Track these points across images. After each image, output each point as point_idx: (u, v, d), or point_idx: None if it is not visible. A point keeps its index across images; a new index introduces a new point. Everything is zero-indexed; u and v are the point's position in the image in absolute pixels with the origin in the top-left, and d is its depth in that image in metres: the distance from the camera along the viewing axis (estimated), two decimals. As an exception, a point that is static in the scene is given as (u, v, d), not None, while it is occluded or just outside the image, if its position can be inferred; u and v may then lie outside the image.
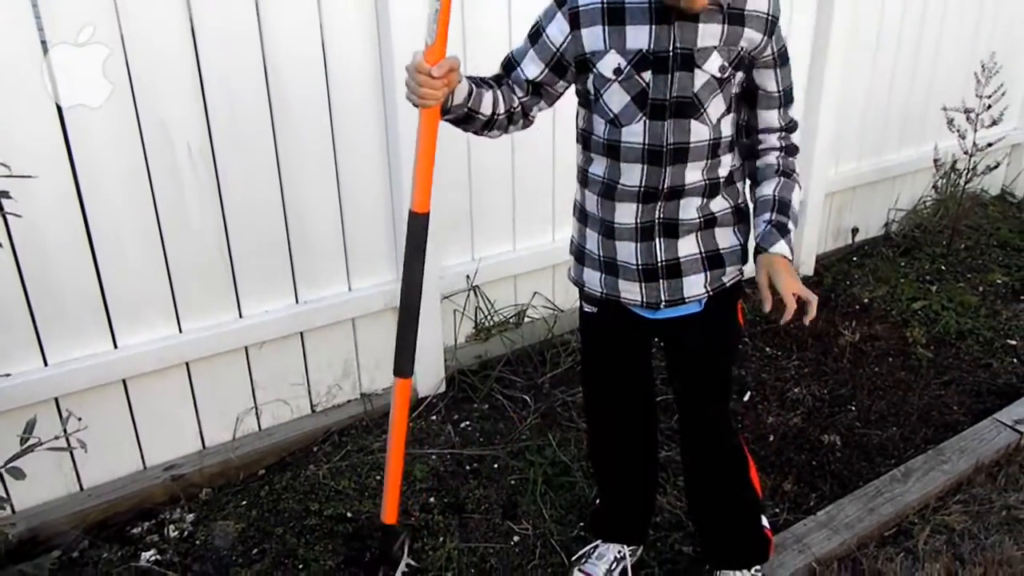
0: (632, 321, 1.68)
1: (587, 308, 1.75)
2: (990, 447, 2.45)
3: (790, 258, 1.55)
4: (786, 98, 1.61)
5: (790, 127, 1.63)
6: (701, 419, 1.78)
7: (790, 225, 1.58)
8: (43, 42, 1.87)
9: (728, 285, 1.65)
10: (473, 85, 1.49)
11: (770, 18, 1.50)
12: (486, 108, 1.52)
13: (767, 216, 1.59)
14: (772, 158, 1.63)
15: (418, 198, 1.52)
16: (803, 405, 2.72)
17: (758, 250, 1.58)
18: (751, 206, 1.68)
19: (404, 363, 1.64)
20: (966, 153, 3.83)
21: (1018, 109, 4.60)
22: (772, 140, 1.62)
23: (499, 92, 1.55)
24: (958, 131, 3.81)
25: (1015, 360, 3.05)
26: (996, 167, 4.05)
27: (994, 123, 3.81)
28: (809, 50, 3.40)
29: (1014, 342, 3.18)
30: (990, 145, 3.90)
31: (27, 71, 1.85)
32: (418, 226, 1.54)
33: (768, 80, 1.57)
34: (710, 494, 1.85)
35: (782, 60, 1.57)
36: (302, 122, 2.28)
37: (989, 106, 3.75)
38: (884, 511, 2.18)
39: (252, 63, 2.15)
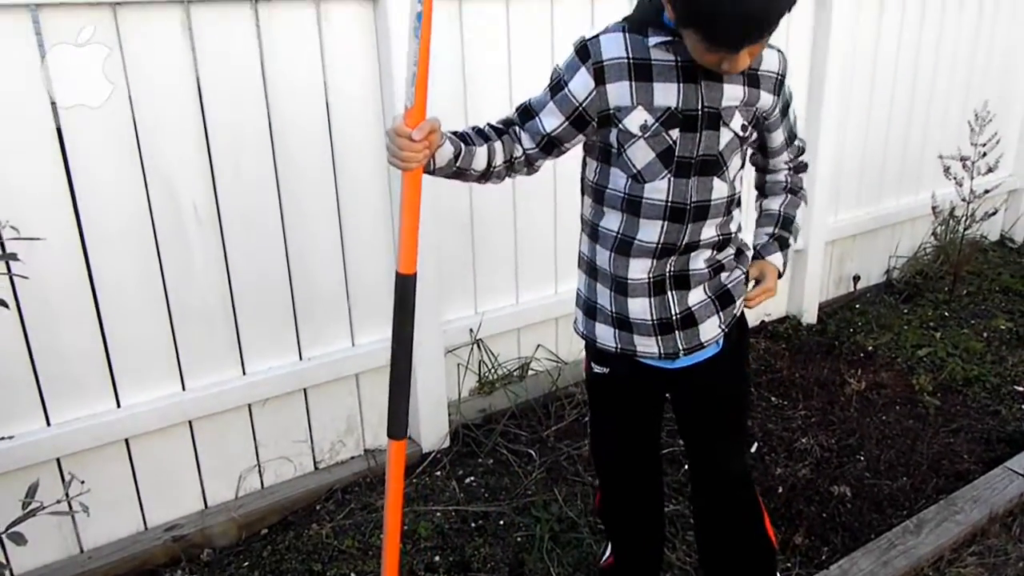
0: (646, 376, 1.66)
1: (597, 369, 1.71)
2: (1003, 497, 2.41)
3: (782, 272, 1.71)
4: (791, 136, 1.69)
5: (799, 151, 1.74)
6: (718, 469, 1.74)
7: (790, 240, 1.72)
8: (52, 104, 1.91)
9: (738, 314, 1.66)
10: (462, 144, 1.47)
11: (779, 78, 1.55)
12: (479, 164, 1.50)
13: (770, 230, 1.73)
14: (781, 176, 1.74)
15: (404, 259, 1.48)
16: (811, 455, 2.69)
17: (755, 255, 1.71)
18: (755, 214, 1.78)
19: (397, 426, 1.60)
20: (964, 200, 3.86)
21: (1013, 156, 4.65)
22: (781, 164, 1.73)
23: (497, 144, 1.52)
24: (955, 178, 3.84)
25: (1023, 407, 3.03)
26: (994, 213, 4.09)
27: (990, 170, 3.85)
28: (804, 99, 3.45)
29: (1022, 388, 3.15)
30: (987, 192, 3.94)
31: (37, 127, 1.89)
32: (405, 287, 1.50)
33: (776, 135, 1.65)
34: (725, 548, 1.81)
35: (785, 109, 1.62)
36: (306, 179, 2.31)
37: (984, 154, 3.79)
38: (898, 564, 2.14)
39: (257, 121, 2.19)
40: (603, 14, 2.76)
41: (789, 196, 1.74)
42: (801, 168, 1.76)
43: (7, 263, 1.46)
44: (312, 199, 2.34)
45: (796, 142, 1.72)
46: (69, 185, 1.96)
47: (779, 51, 1.55)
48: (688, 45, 1.37)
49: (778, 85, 1.55)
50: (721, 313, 1.62)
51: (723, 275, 1.62)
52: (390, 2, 2.24)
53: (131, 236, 2.07)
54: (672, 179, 1.48)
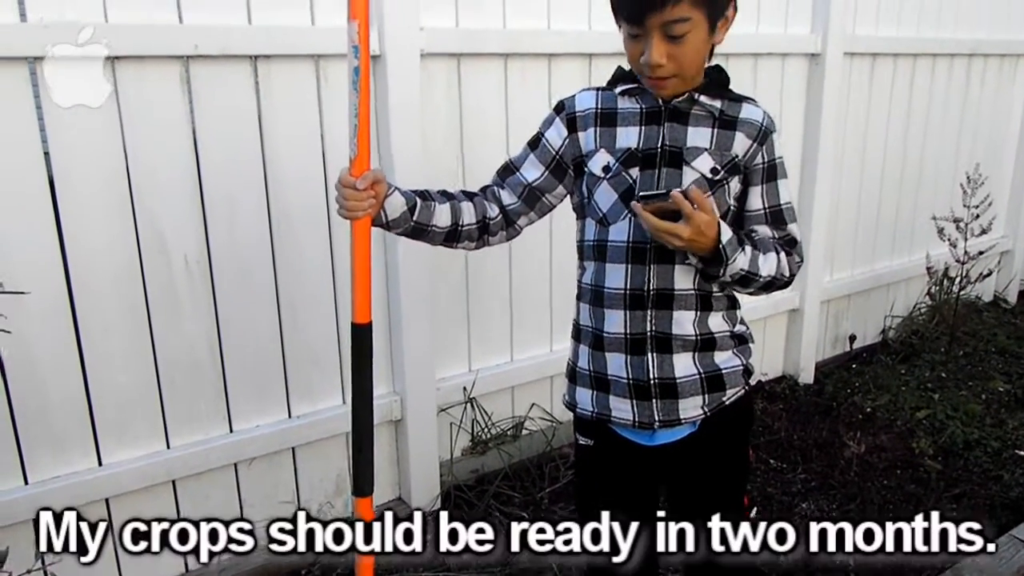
0: (629, 454, 1.57)
1: (582, 440, 1.64)
2: (1010, 566, 2.35)
3: (722, 239, 1.38)
4: (774, 217, 1.53)
5: (786, 239, 1.55)
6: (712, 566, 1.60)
7: (748, 248, 1.44)
8: (46, 155, 1.89)
9: (728, 404, 1.55)
10: (417, 198, 1.49)
11: (763, 128, 1.49)
12: (441, 221, 1.51)
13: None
14: (767, 235, 1.54)
15: (359, 309, 1.49)
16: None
17: None
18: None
19: (363, 482, 1.55)
20: (958, 261, 3.86)
21: (1003, 217, 4.69)
22: (764, 232, 1.54)
23: (465, 204, 1.54)
24: (949, 239, 3.86)
25: (1025, 472, 2.98)
26: (989, 275, 4.09)
27: (983, 232, 3.87)
28: (799, 161, 3.48)
29: (1023, 452, 3.10)
30: (981, 253, 3.95)
31: (29, 175, 1.87)
32: (361, 337, 1.51)
33: (753, 197, 1.52)
34: None
35: (770, 175, 1.51)
36: (301, 235, 2.29)
37: (977, 215, 3.81)
38: (906, 639, 2.06)
39: (253, 176, 2.18)
40: (601, 76, 2.79)
41: (775, 245, 1.53)
42: (792, 244, 1.56)
43: (-10, 318, 1.42)
44: (306, 253, 2.31)
45: (785, 229, 1.54)
46: (59, 235, 1.93)
47: (764, 110, 1.52)
48: (625, 48, 1.41)
49: (761, 135, 1.49)
50: (707, 396, 1.52)
51: (718, 357, 1.53)
52: (389, 59, 2.25)
53: (120, 288, 2.03)
54: (632, 219, 1.45)
